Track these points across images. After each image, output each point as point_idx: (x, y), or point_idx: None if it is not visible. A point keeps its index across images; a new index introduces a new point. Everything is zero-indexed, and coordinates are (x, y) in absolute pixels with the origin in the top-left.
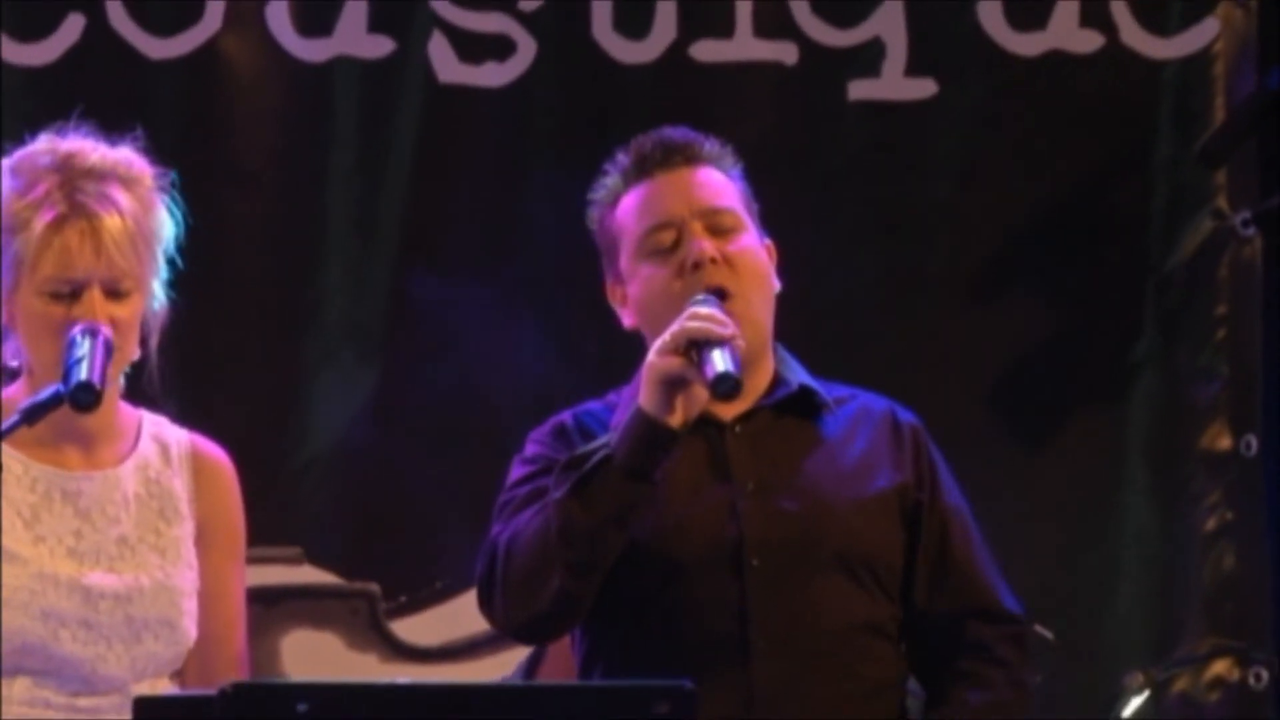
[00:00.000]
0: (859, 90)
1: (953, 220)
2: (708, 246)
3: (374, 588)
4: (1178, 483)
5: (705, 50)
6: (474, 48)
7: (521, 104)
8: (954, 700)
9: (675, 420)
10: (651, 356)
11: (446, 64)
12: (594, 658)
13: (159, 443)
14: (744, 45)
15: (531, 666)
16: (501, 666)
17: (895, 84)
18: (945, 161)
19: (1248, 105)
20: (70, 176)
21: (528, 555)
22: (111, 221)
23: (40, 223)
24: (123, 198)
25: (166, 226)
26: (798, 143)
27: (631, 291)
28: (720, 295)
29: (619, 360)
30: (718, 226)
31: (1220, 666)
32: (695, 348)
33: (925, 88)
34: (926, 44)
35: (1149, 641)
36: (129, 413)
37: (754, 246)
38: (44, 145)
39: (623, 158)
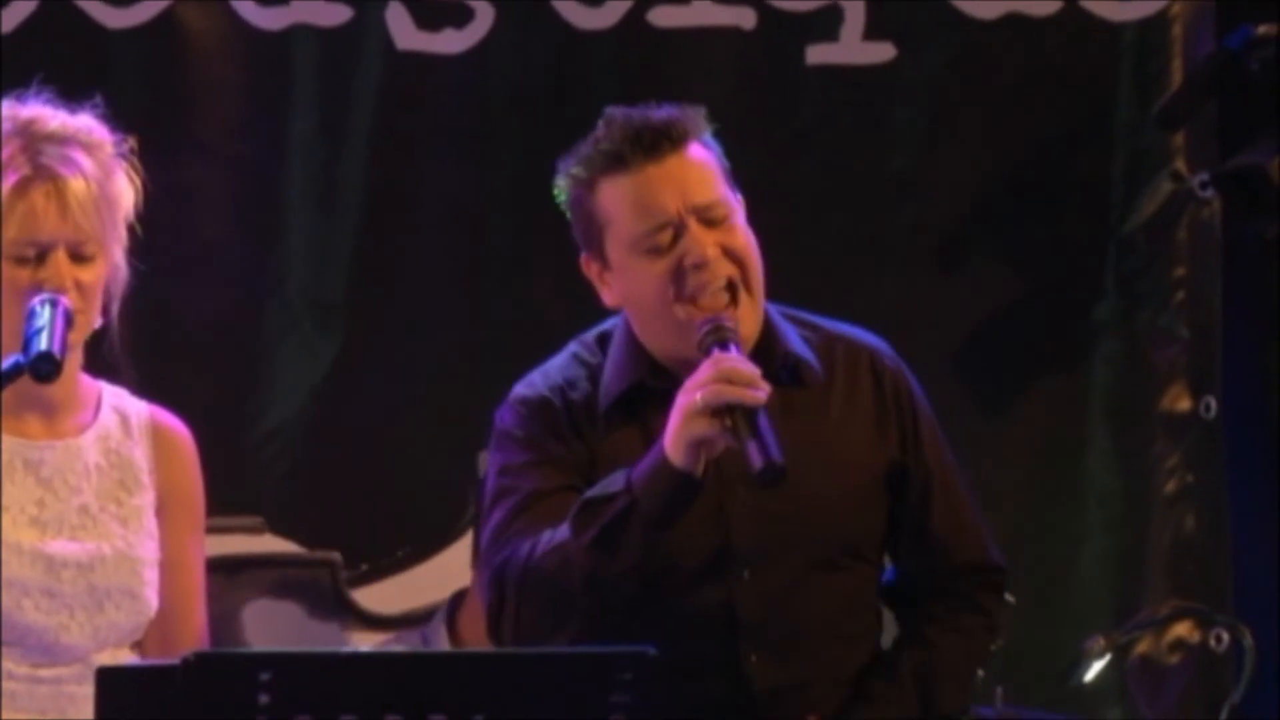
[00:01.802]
0: (817, 55)
1: (913, 185)
2: (708, 246)
3: (335, 556)
4: (1139, 445)
5: (663, 15)
6: (432, 15)
7: (480, 71)
8: (929, 643)
9: (699, 471)
10: (682, 417)
11: (404, 31)
12: None
13: (119, 414)
14: (702, 10)
15: (451, 611)
16: None
17: (854, 48)
18: (905, 126)
19: (1206, 67)
20: (31, 141)
21: (548, 596)
22: (76, 184)
23: (4, 186)
24: (86, 161)
25: (127, 193)
26: (757, 108)
27: (622, 283)
28: (730, 289)
29: (583, 325)
30: (712, 218)
31: (1181, 629)
32: (728, 410)
33: (884, 52)
34: (885, 8)
35: (1111, 604)
36: (89, 384)
37: (744, 227)
38: (4, 112)
39: (602, 135)
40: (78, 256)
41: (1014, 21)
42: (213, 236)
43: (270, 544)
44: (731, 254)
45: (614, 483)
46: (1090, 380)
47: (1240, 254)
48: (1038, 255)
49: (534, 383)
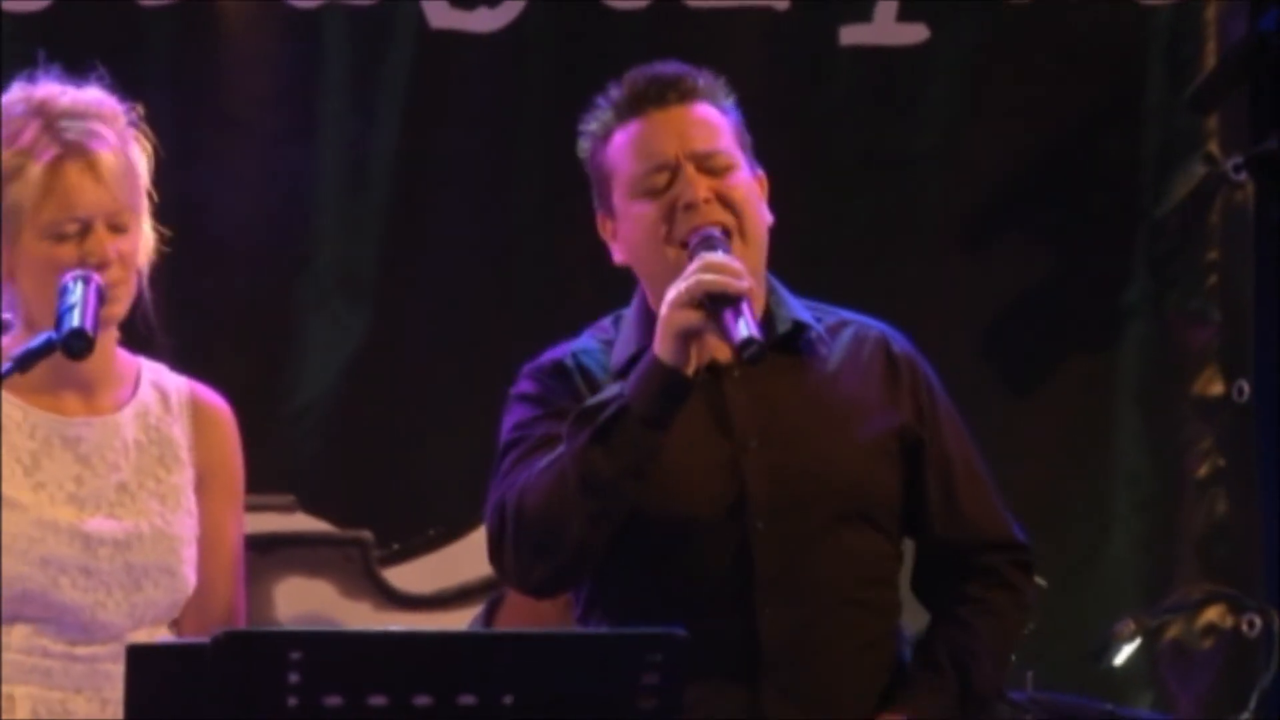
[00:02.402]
0: (851, 35)
1: (943, 166)
2: (700, 189)
3: (367, 535)
4: (1170, 428)
5: None
6: None
7: (513, 50)
8: (963, 623)
9: (690, 369)
10: (667, 309)
11: (438, 10)
12: (593, 612)
13: (158, 390)
14: None
15: (489, 614)
16: None
17: (887, 29)
18: (936, 107)
19: (1239, 50)
20: (51, 119)
21: (544, 509)
22: (106, 156)
23: (37, 166)
24: (108, 133)
25: (144, 160)
26: (789, 88)
27: (622, 229)
28: (723, 231)
29: (613, 304)
30: (711, 167)
31: (1213, 613)
32: (711, 300)
33: (917, 33)
34: None
35: (1141, 588)
36: (128, 360)
37: (746, 181)
38: (16, 95)
39: (615, 90)
40: (115, 228)
41: (1047, 4)
42: (244, 213)
43: (302, 522)
44: (727, 201)
45: (607, 391)
46: (1121, 363)
47: (1272, 237)
48: (1068, 237)
49: (548, 354)
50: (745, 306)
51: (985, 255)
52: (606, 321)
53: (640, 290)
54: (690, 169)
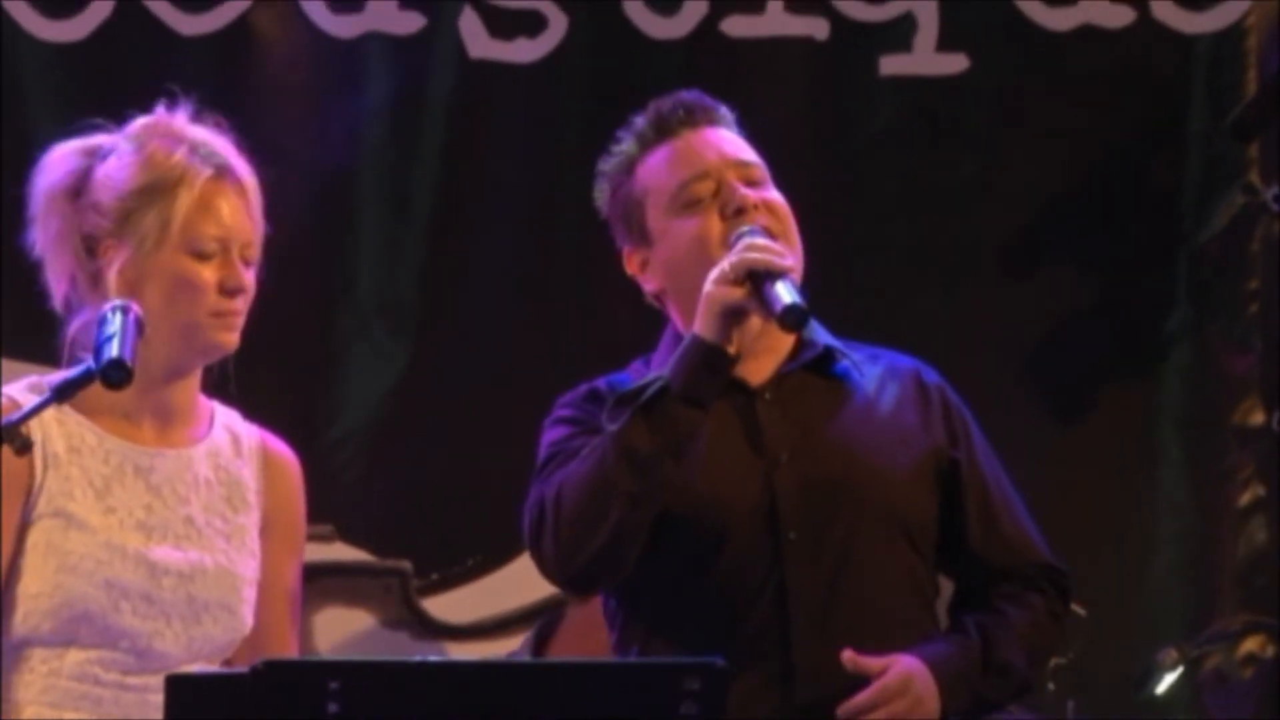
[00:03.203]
0: (890, 65)
1: (984, 194)
2: (750, 193)
3: (406, 565)
4: (1211, 457)
5: (736, 25)
6: (505, 23)
7: (552, 80)
8: (996, 610)
9: (732, 348)
10: (711, 286)
11: (477, 39)
12: (629, 635)
13: (231, 433)
14: (775, 20)
15: (539, 642)
16: None
17: (927, 59)
18: (977, 136)
19: (1279, 79)
20: (194, 145)
21: (585, 492)
22: (252, 186)
23: (199, 179)
24: (243, 168)
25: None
26: (829, 118)
27: (662, 250)
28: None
29: (653, 334)
30: (750, 178)
31: (1253, 643)
32: (754, 279)
33: (957, 63)
34: (958, 18)
35: (1182, 617)
36: (204, 400)
37: (782, 198)
38: (146, 120)
39: (640, 122)
40: (245, 259)
41: (1087, 32)
42: (284, 241)
43: (341, 552)
44: (773, 209)
45: (648, 377)
46: (1162, 391)
47: None
48: (1109, 264)
49: (580, 386)
50: (789, 279)
51: (1026, 283)
52: (638, 364)
53: (670, 328)
54: (732, 176)
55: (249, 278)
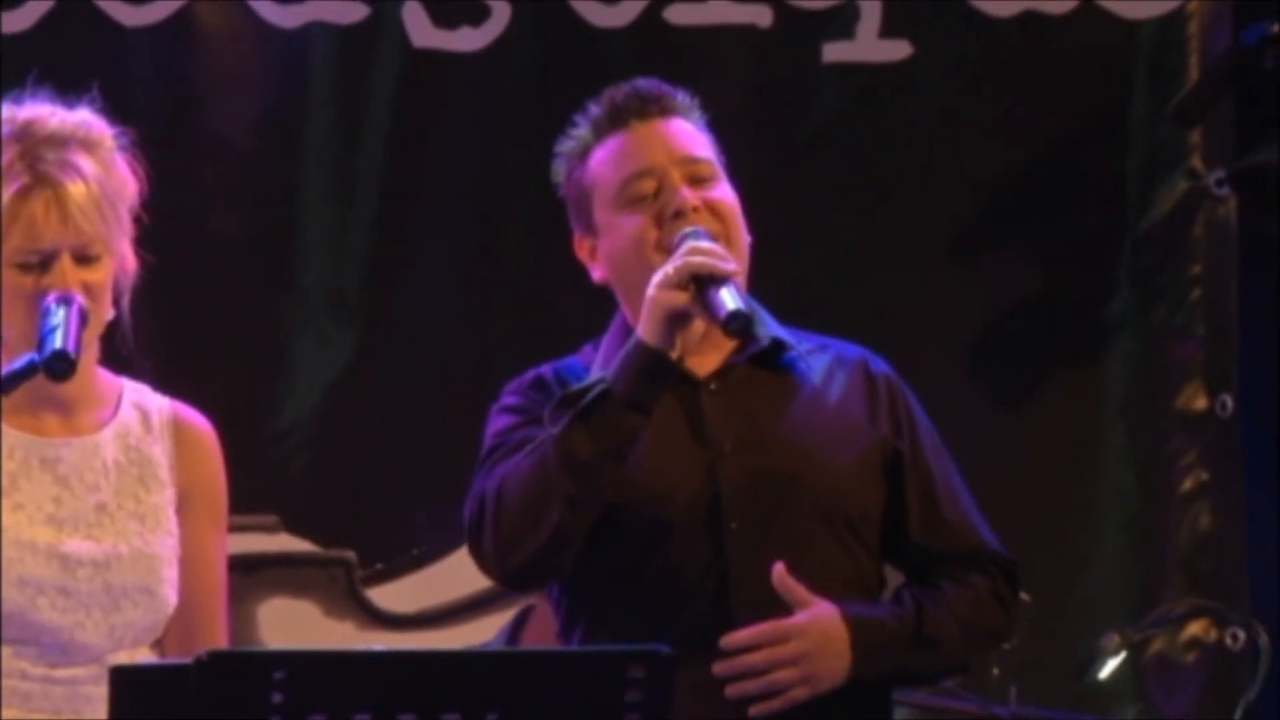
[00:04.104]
0: (833, 53)
1: (928, 182)
2: (690, 195)
3: (351, 555)
4: (1154, 442)
5: (680, 13)
6: (448, 12)
7: (496, 69)
8: (934, 584)
9: (674, 353)
10: (654, 290)
11: (420, 29)
12: (572, 623)
13: (140, 410)
14: (718, 8)
15: (515, 630)
16: (478, 633)
17: (870, 46)
18: (920, 123)
19: (1222, 63)
20: (30, 145)
21: (524, 492)
22: (76, 189)
23: (5, 194)
24: (85, 163)
25: (129, 185)
26: (773, 106)
27: (605, 243)
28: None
29: (600, 323)
30: (697, 175)
31: (1197, 627)
32: (698, 283)
33: (900, 49)
34: (901, 5)
35: (1126, 602)
36: (109, 380)
37: (732, 195)
38: (3, 114)
39: (594, 109)
40: (83, 259)
41: (1030, 19)
42: (229, 231)
43: (285, 542)
44: (715, 209)
45: (589, 379)
46: (1105, 377)
47: (1256, 251)
48: (1053, 252)
49: (527, 373)
50: (732, 284)
51: (969, 270)
52: (587, 347)
53: (619, 313)
54: (677, 175)
55: (87, 276)
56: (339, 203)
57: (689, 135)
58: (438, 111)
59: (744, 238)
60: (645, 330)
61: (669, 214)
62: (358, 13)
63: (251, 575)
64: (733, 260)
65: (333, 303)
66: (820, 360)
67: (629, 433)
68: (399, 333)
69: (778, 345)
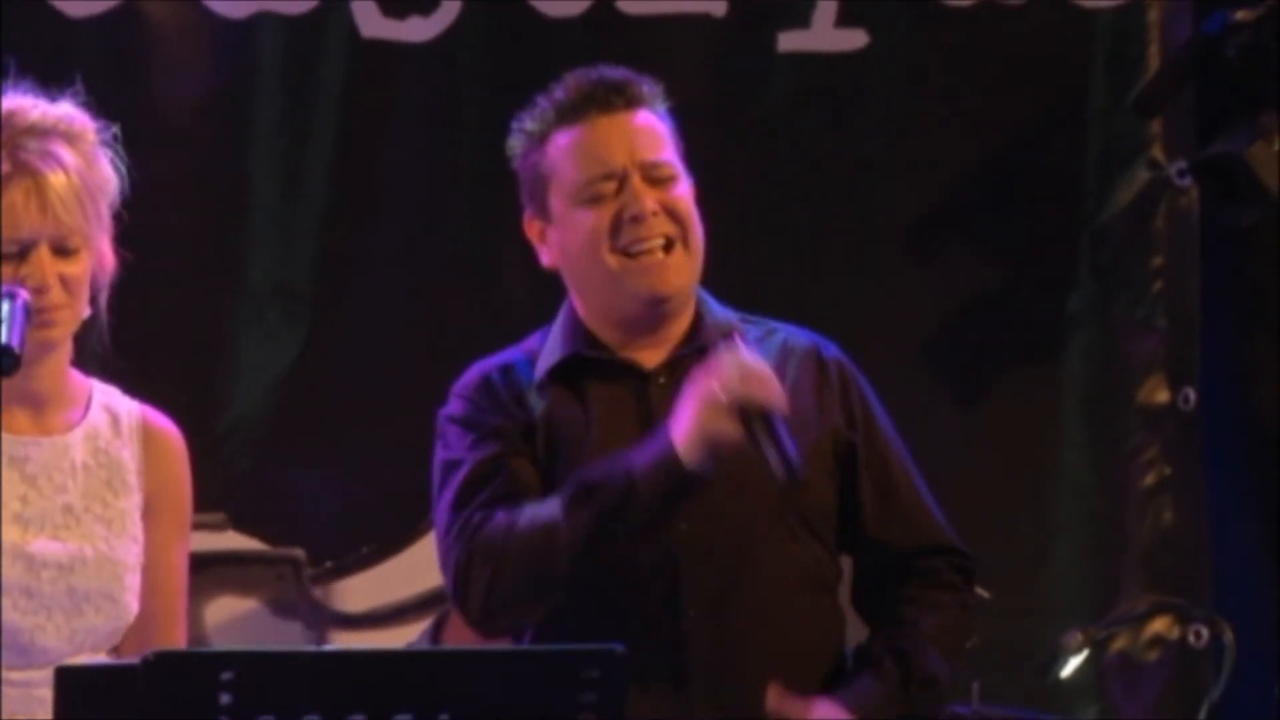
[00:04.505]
0: (789, 42)
1: (884, 173)
2: (648, 200)
3: (299, 554)
4: (1115, 437)
5: (633, 3)
6: (397, 2)
7: (447, 59)
8: (904, 621)
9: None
10: (705, 409)
11: (369, 18)
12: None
13: (109, 413)
14: None
15: (436, 632)
16: None
17: (825, 35)
18: (877, 113)
19: (1183, 52)
20: (11, 135)
21: (528, 574)
22: (56, 179)
23: None
24: (66, 154)
25: (111, 181)
26: (728, 95)
27: (559, 233)
28: (666, 245)
29: (548, 320)
30: (657, 177)
31: (1159, 624)
32: (746, 412)
33: (856, 39)
34: None
35: (1087, 599)
36: (80, 381)
37: (688, 193)
38: None
39: (557, 91)
40: (61, 251)
41: (988, 8)
42: (176, 225)
43: (233, 541)
44: (673, 212)
45: (614, 468)
46: (1065, 372)
47: (1218, 243)
48: (1011, 244)
49: (472, 370)
50: (782, 427)
51: (927, 263)
52: (535, 336)
53: (568, 301)
54: (637, 179)
55: (65, 269)
56: (287, 196)
57: (651, 133)
58: (387, 103)
59: (700, 237)
60: (688, 446)
61: (627, 216)
62: (306, 3)
63: (198, 574)
64: (782, 394)
65: (280, 298)
66: (769, 348)
67: (643, 534)
68: (348, 328)
69: (725, 334)
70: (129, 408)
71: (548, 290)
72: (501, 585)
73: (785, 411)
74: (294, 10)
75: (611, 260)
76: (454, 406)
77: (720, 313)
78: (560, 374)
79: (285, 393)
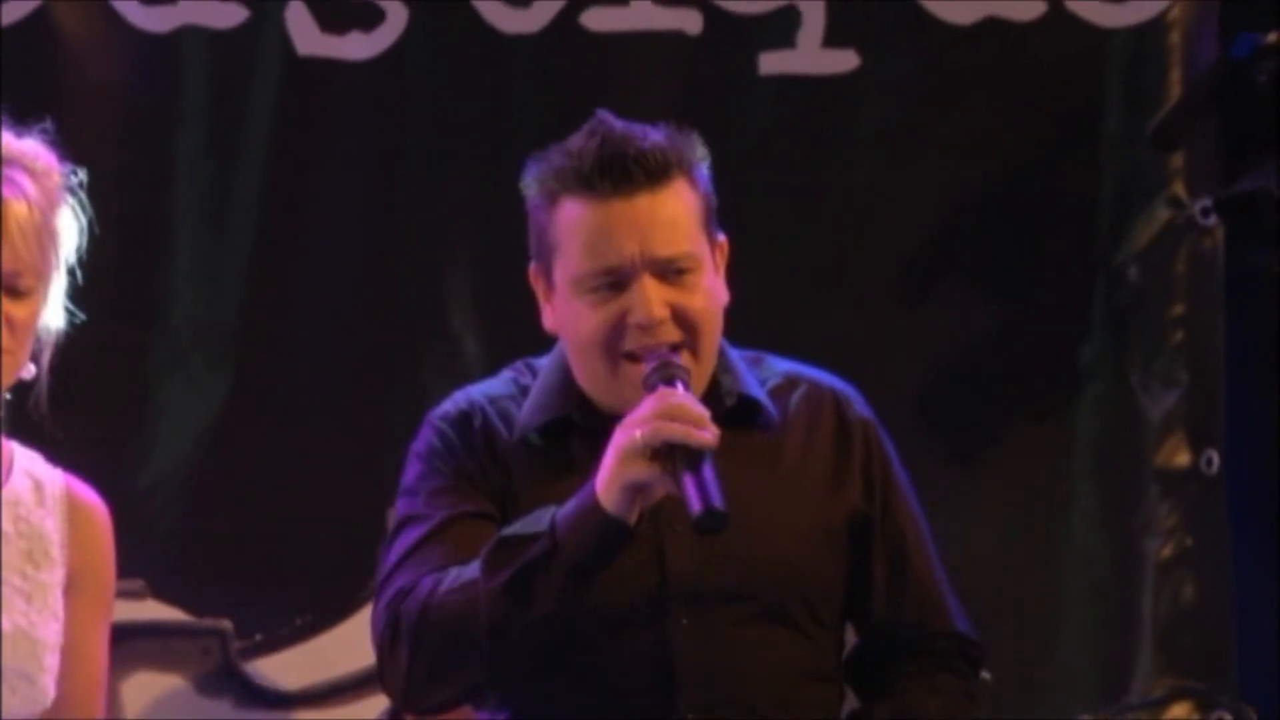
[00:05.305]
0: (771, 63)
1: (877, 208)
2: (656, 306)
3: (226, 625)
4: (1130, 503)
5: (598, 18)
6: (337, 16)
7: (392, 79)
8: (909, 696)
9: (633, 519)
10: (619, 456)
11: (306, 34)
12: (500, 709)
13: (33, 479)
14: (642, 13)
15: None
16: (369, 712)
17: (812, 56)
18: (868, 143)
19: (1207, 79)
20: None
21: (443, 644)
22: (18, 206)
23: None
24: (29, 185)
25: (71, 230)
26: (703, 122)
27: (560, 313)
28: (673, 348)
29: (504, 363)
30: (672, 271)
31: (1179, 710)
32: (670, 451)
33: (846, 60)
34: (847, 11)
35: (1098, 682)
36: (3, 442)
37: (706, 287)
38: None
39: (579, 148)
40: (11, 290)
41: (992, 26)
42: (88, 259)
43: (153, 610)
44: (683, 316)
45: (536, 521)
46: (1075, 430)
47: (1245, 289)
48: (1015, 287)
49: (456, 399)
50: (707, 467)
51: (924, 307)
52: (527, 363)
53: (560, 350)
54: (648, 278)
55: (13, 311)
56: (212, 226)
57: (671, 222)
58: (324, 127)
59: (713, 340)
60: (606, 496)
61: (631, 322)
62: (235, 16)
63: (115, 647)
64: (709, 429)
65: (204, 340)
66: (789, 403)
67: (573, 595)
68: (279, 373)
69: (744, 402)
70: (53, 476)
71: (501, 330)
72: (420, 658)
73: (711, 444)
74: (221, 24)
75: (611, 364)
76: (426, 437)
77: (738, 372)
78: (546, 436)
79: (210, 445)
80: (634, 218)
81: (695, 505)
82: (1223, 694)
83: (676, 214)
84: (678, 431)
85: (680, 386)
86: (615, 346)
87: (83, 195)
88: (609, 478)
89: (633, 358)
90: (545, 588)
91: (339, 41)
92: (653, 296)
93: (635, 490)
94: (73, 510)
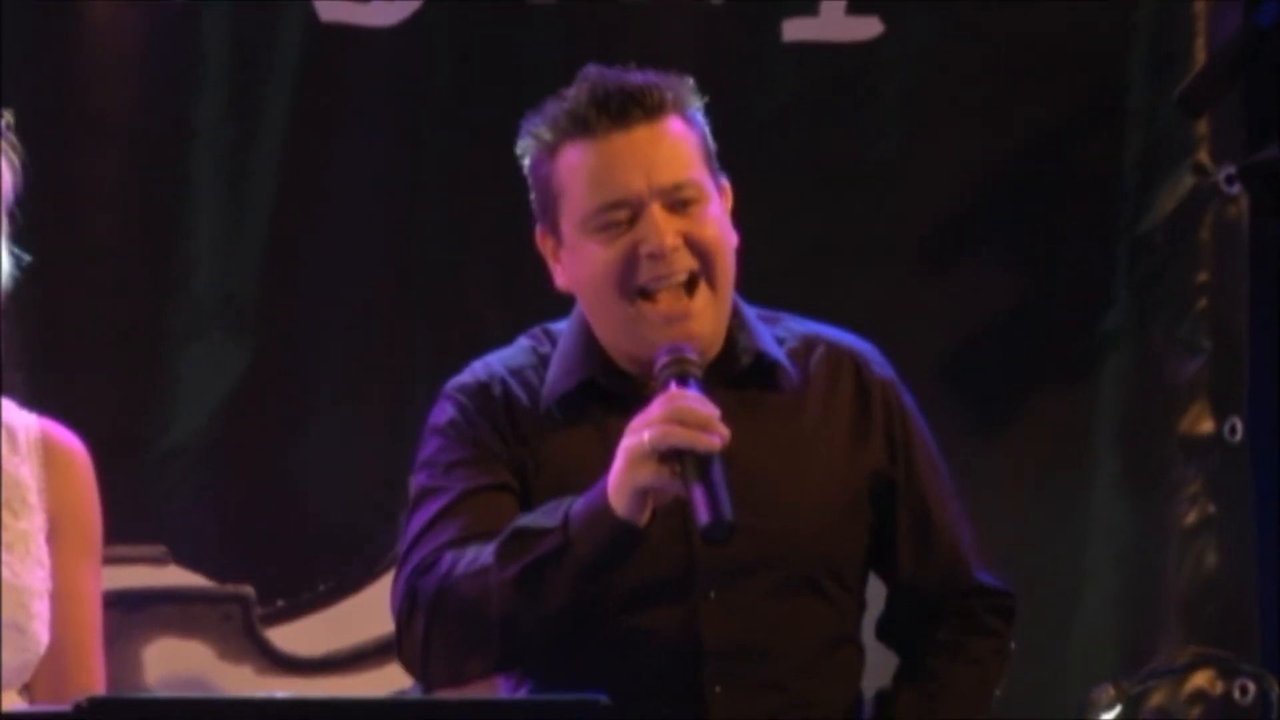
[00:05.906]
0: (795, 30)
1: (900, 176)
2: (668, 234)
3: (248, 591)
4: (1153, 471)
5: None
6: None
7: (414, 46)
8: (935, 676)
9: (644, 520)
10: (628, 460)
11: (328, 1)
12: (522, 682)
13: (6, 427)
14: None
15: None
16: (391, 679)
17: (835, 23)
18: (892, 110)
19: (1233, 46)
20: None
21: (459, 627)
22: None
23: None
24: None
25: (5, 176)
26: (726, 91)
27: (570, 261)
28: (689, 283)
29: (524, 329)
30: (679, 200)
31: (1201, 678)
32: (678, 455)
33: (869, 27)
34: None
35: (1121, 650)
36: None
37: (717, 216)
38: None
39: (571, 94)
40: None
41: None
42: (110, 228)
43: (175, 576)
44: (696, 244)
45: (552, 513)
46: (1098, 398)
47: (1269, 256)
48: (1040, 255)
49: (475, 370)
50: (716, 473)
51: (947, 275)
52: (545, 329)
53: (579, 312)
54: (656, 207)
55: None
56: (233, 195)
57: (674, 151)
58: (346, 94)
59: (728, 269)
60: (616, 499)
61: (644, 252)
62: None
63: (136, 613)
64: (718, 431)
65: (225, 309)
66: (810, 363)
67: (585, 593)
68: (299, 343)
69: (761, 360)
70: (26, 422)
71: (522, 298)
72: (436, 637)
73: (719, 447)
74: None
75: (626, 303)
76: (445, 409)
77: (755, 329)
78: (570, 403)
79: (231, 414)
80: (635, 149)
81: (703, 516)
82: (1245, 661)
83: (676, 143)
84: (685, 437)
85: (693, 386)
86: (630, 282)
87: (14, 139)
88: (619, 482)
89: (647, 295)
90: (556, 583)
91: (361, 8)
92: (663, 224)
93: (643, 494)
94: (49, 455)
